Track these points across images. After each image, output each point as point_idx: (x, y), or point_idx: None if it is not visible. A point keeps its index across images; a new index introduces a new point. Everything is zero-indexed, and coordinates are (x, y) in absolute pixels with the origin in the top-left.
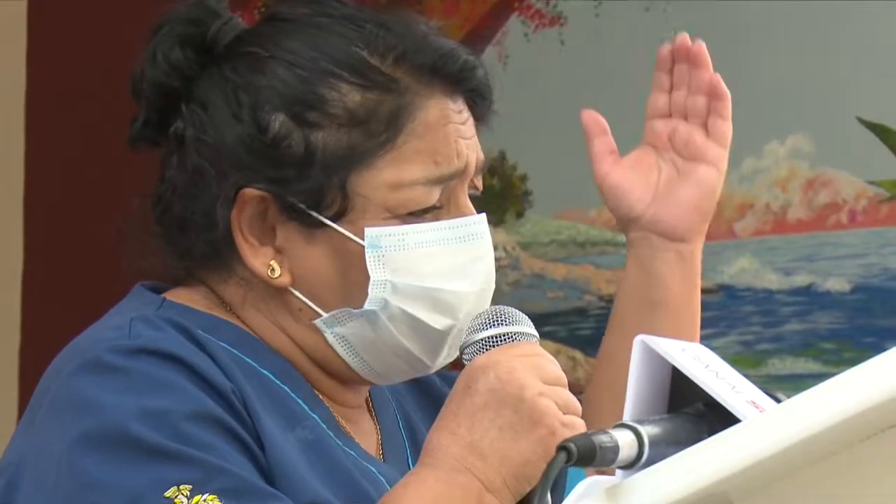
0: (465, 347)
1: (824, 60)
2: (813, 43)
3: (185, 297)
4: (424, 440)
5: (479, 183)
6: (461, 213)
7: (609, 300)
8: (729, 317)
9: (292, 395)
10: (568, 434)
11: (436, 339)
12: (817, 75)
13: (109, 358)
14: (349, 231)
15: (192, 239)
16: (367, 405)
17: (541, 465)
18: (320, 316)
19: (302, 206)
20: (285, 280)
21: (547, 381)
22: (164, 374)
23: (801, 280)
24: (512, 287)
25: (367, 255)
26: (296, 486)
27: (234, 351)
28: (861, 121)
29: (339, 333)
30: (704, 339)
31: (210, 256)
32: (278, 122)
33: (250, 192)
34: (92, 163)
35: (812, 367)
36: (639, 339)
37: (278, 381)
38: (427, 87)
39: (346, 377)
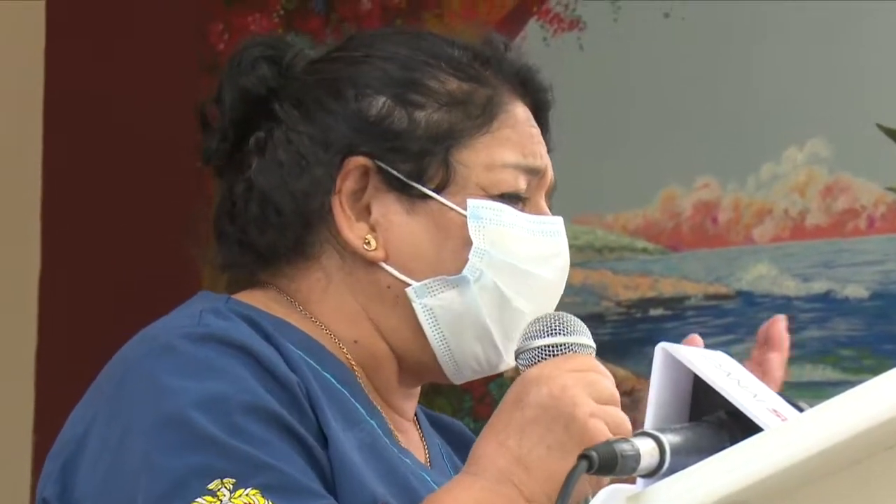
0: (521, 353)
1: (843, 66)
2: (832, 48)
3: (251, 297)
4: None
5: (548, 206)
6: (540, 213)
7: (626, 305)
8: (747, 323)
9: (352, 399)
10: None
11: (514, 321)
12: (836, 81)
13: (178, 343)
14: (451, 202)
15: (272, 235)
16: (418, 429)
17: (586, 486)
18: (410, 287)
19: (405, 177)
20: (380, 254)
21: (600, 400)
22: (228, 361)
23: (819, 286)
24: None
25: (469, 224)
26: (357, 483)
27: (299, 352)
28: (880, 127)
29: (427, 305)
30: (722, 346)
31: (289, 249)
32: (381, 102)
33: (356, 160)
34: (109, 166)
35: (830, 374)
36: (660, 347)
37: (338, 385)
38: (512, 91)
39: (418, 364)
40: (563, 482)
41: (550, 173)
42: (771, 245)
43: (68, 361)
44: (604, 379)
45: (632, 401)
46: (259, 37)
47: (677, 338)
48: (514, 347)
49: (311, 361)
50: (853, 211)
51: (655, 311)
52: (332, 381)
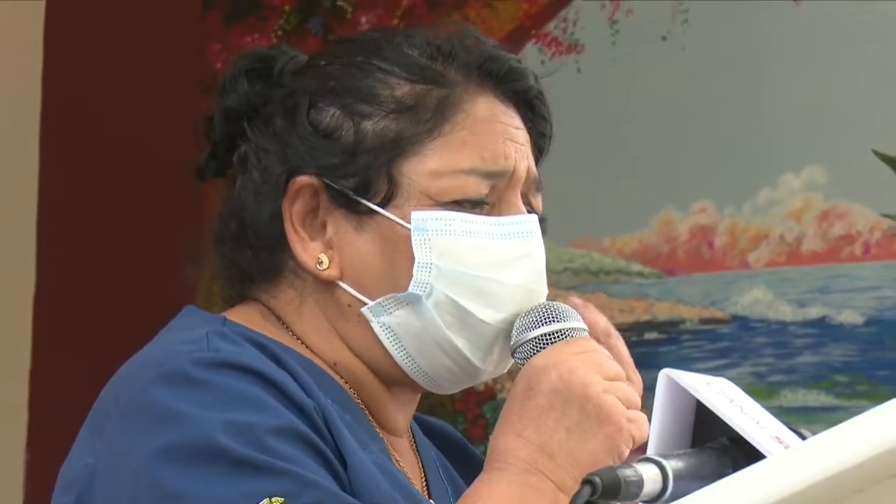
0: (518, 347)
1: (840, 93)
2: (829, 75)
3: (244, 317)
4: (463, 488)
5: (538, 203)
6: (512, 214)
7: (622, 329)
8: (742, 348)
9: (354, 424)
10: (634, 429)
11: (483, 333)
12: (833, 107)
13: (190, 370)
14: (396, 216)
15: (248, 253)
16: (412, 443)
17: (609, 462)
18: (367, 306)
19: (350, 192)
20: (333, 272)
21: (607, 377)
22: (246, 388)
23: (814, 312)
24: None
25: (413, 238)
26: (381, 500)
27: (303, 373)
28: (876, 153)
29: (385, 323)
30: (717, 370)
31: (264, 267)
32: (330, 114)
33: (302, 179)
34: (106, 182)
35: (825, 399)
36: (664, 374)
37: (340, 411)
38: (477, 85)
39: (395, 380)
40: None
41: (523, 169)
42: (766, 270)
43: (63, 376)
44: (607, 358)
45: None
46: (250, 49)
47: (672, 362)
48: (493, 357)
49: (314, 385)
50: (849, 237)
51: (650, 335)
52: (334, 406)
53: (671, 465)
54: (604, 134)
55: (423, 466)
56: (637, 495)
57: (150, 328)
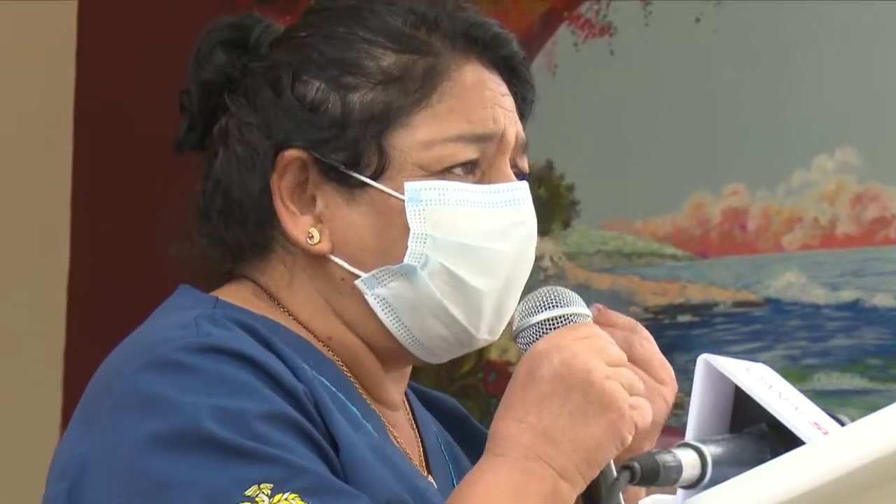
0: (520, 332)
1: (874, 74)
2: (863, 56)
3: (235, 296)
4: (466, 464)
5: (524, 164)
6: (502, 181)
7: (654, 311)
8: (775, 331)
9: (349, 404)
10: (636, 415)
11: (476, 300)
12: (867, 89)
13: (179, 356)
14: (389, 188)
15: (235, 229)
16: (410, 417)
17: (611, 448)
18: (360, 279)
19: (341, 166)
20: (325, 247)
21: (610, 363)
22: (235, 373)
23: (848, 295)
24: None
25: (407, 209)
26: (373, 482)
27: (294, 355)
28: None
29: (379, 295)
30: (749, 353)
31: (253, 243)
32: (315, 88)
33: (290, 153)
34: (139, 165)
35: (858, 382)
36: (702, 359)
37: (335, 390)
38: (462, 53)
39: (390, 352)
40: (606, 492)
41: (512, 134)
42: (800, 253)
43: (97, 358)
44: (610, 343)
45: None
46: (222, 20)
47: (705, 345)
48: (485, 323)
49: (305, 366)
50: (883, 220)
51: (683, 318)
52: (329, 385)
53: (710, 451)
54: (636, 116)
55: (421, 440)
56: (676, 480)
57: None
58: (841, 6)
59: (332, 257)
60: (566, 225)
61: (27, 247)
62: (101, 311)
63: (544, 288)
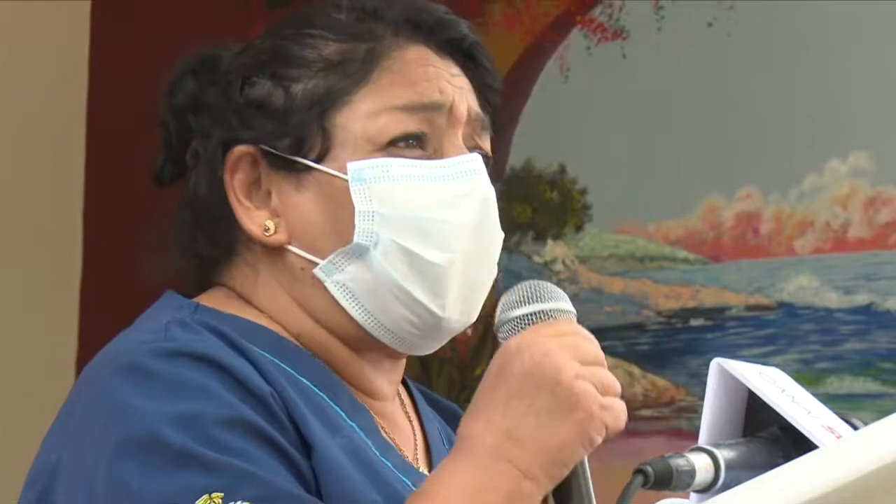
0: (501, 325)
1: (887, 78)
2: (875, 60)
3: (215, 301)
4: None
5: (486, 144)
6: (452, 155)
7: (667, 315)
8: (788, 335)
9: (332, 404)
10: (608, 416)
11: (436, 276)
12: (880, 93)
13: (144, 361)
14: (332, 168)
15: (204, 238)
16: (407, 409)
17: (578, 449)
18: (318, 266)
19: (286, 153)
20: (282, 237)
21: (584, 362)
22: (198, 377)
23: (860, 299)
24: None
25: (351, 188)
26: (347, 487)
27: (274, 359)
28: None
29: (338, 281)
30: (763, 357)
31: (219, 250)
32: (261, 86)
33: (238, 149)
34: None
35: (871, 386)
36: (715, 363)
37: (317, 390)
38: (407, 38)
39: (360, 342)
40: (620, 495)
41: (463, 108)
42: (813, 257)
43: None
44: (587, 341)
45: (672, 410)
46: (194, 51)
47: (717, 349)
48: (446, 302)
49: (286, 366)
50: (895, 224)
51: (696, 322)
52: (310, 386)
53: (723, 455)
54: (649, 120)
55: (424, 433)
56: (689, 484)
57: None
58: (854, 11)
59: (290, 247)
60: (578, 228)
61: (39, 250)
62: (113, 316)
63: (528, 281)
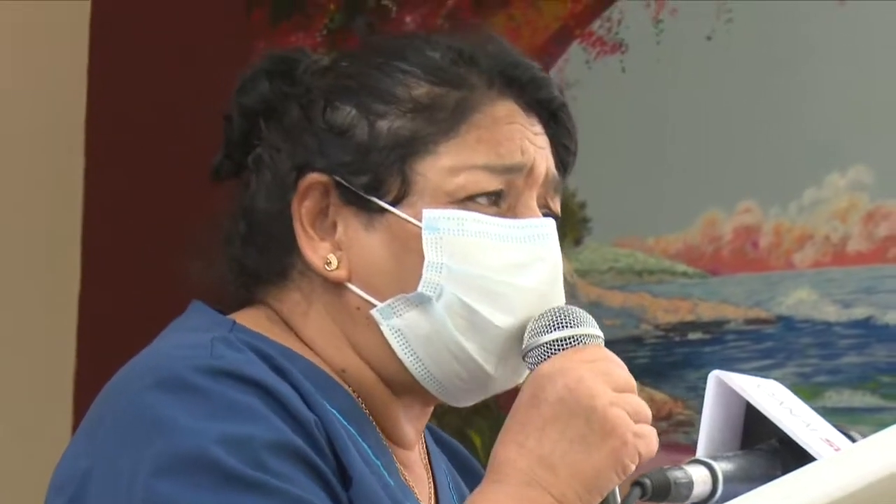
0: (529, 351)
1: (886, 92)
2: (874, 74)
3: (252, 321)
4: None
5: (556, 205)
6: (527, 216)
7: (665, 329)
8: (786, 348)
9: (359, 439)
10: (641, 444)
11: (494, 337)
12: (879, 107)
13: (190, 376)
14: (407, 214)
15: (256, 254)
16: (423, 456)
17: (612, 477)
18: (376, 308)
19: (361, 190)
20: (342, 273)
21: (617, 388)
22: (245, 399)
23: (859, 312)
24: None
25: (423, 237)
26: None
27: (308, 384)
28: None
29: (394, 326)
30: (762, 371)
31: (271, 269)
32: (346, 113)
33: (312, 177)
34: (151, 170)
35: (870, 400)
36: (714, 375)
37: (345, 422)
38: (498, 91)
39: (405, 386)
40: None
41: (542, 169)
42: (812, 270)
43: (107, 376)
44: (618, 367)
45: (670, 424)
46: (273, 51)
47: (716, 362)
48: (503, 362)
49: (319, 396)
50: (895, 237)
51: (694, 335)
52: (340, 418)
53: (721, 467)
54: (648, 133)
55: (434, 480)
56: (687, 497)
57: None
58: (853, 25)
59: (349, 285)
60: (578, 242)
61: (37, 254)
62: (112, 323)
63: (556, 306)
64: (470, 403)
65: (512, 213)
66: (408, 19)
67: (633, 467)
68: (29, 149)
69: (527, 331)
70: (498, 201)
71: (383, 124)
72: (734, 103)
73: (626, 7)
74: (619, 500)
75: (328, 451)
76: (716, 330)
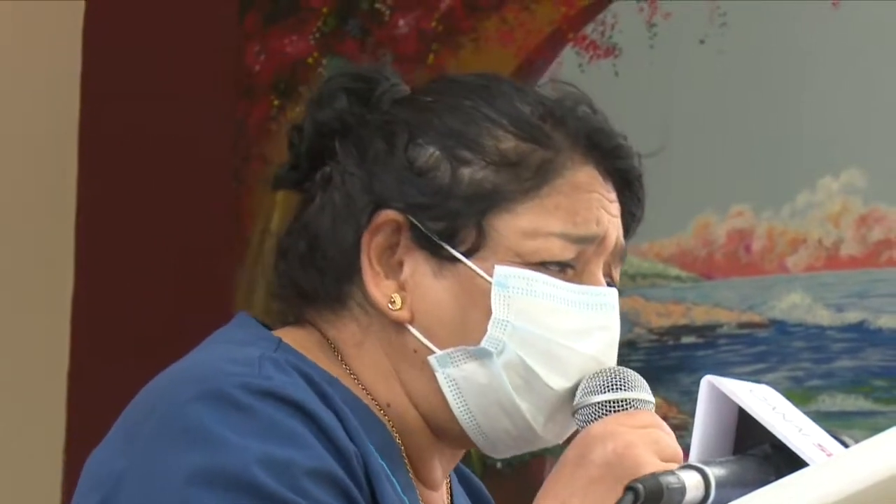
0: (580, 408)
1: (879, 95)
2: (868, 77)
3: (299, 341)
4: None
5: (616, 274)
6: (593, 283)
7: (658, 332)
8: (779, 352)
9: (391, 474)
10: None
11: (547, 399)
12: (872, 110)
13: (236, 393)
14: (479, 267)
15: (314, 275)
16: (447, 496)
17: None
18: (434, 355)
19: (436, 236)
20: (405, 315)
21: (664, 458)
22: (290, 422)
23: (852, 316)
24: None
25: (493, 293)
26: None
27: (349, 413)
28: None
29: (450, 375)
30: (755, 375)
31: (328, 294)
32: (429, 153)
33: (387, 213)
34: (143, 172)
35: (863, 404)
36: (706, 380)
37: (379, 457)
38: (581, 154)
39: (448, 433)
40: None
41: (613, 238)
42: (805, 274)
43: (101, 379)
44: (668, 436)
45: None
46: (354, 67)
47: (709, 366)
48: (553, 423)
49: (359, 428)
50: (888, 241)
51: (688, 339)
52: (373, 451)
53: (713, 472)
54: (641, 137)
55: None
56: (679, 502)
57: (187, 330)
58: (846, 28)
59: (410, 327)
60: None
61: (30, 253)
62: (105, 322)
63: (612, 367)
64: (508, 456)
65: (578, 279)
66: (401, 22)
67: None
68: (22, 149)
69: (580, 388)
70: (565, 268)
71: (466, 172)
72: (727, 107)
73: (619, 11)
74: None
75: (365, 485)
76: (709, 334)
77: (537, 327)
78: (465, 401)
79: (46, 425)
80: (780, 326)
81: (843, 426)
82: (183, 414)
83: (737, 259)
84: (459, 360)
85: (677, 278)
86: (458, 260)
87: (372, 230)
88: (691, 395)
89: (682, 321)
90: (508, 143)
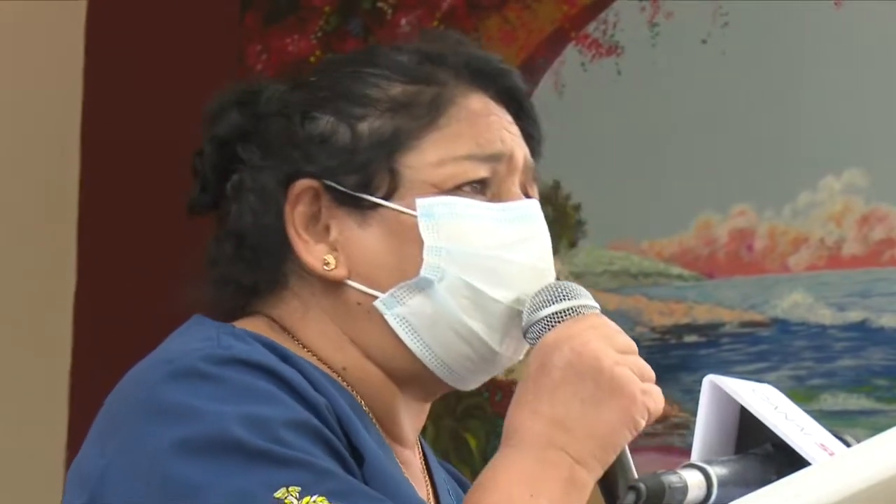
0: (530, 327)
1: (882, 95)
2: (870, 77)
3: (252, 327)
4: None
5: (533, 192)
6: (511, 200)
7: (660, 331)
8: (781, 351)
9: (362, 430)
10: (649, 401)
11: (496, 313)
12: (874, 110)
13: (200, 365)
14: (401, 205)
15: (248, 270)
16: (421, 459)
17: (625, 433)
18: (378, 299)
19: (352, 190)
20: (342, 272)
21: (620, 350)
22: (259, 384)
23: (854, 316)
24: None
25: (420, 224)
26: (402, 494)
27: (315, 373)
28: None
29: (399, 314)
30: (757, 374)
31: (267, 280)
32: (325, 121)
33: (302, 182)
34: (145, 173)
35: (865, 403)
36: (708, 379)
37: (351, 414)
38: (466, 83)
39: (412, 376)
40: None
41: (520, 156)
42: (806, 273)
43: (103, 376)
44: (619, 332)
45: (665, 427)
46: (233, 84)
47: (711, 365)
48: (505, 339)
49: (326, 385)
50: (889, 241)
51: (690, 338)
52: (344, 405)
53: (715, 472)
54: (643, 136)
55: (432, 483)
56: (681, 502)
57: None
58: (848, 28)
59: (349, 282)
60: (573, 245)
61: (33, 254)
62: (107, 322)
63: (550, 282)
64: (476, 385)
65: (497, 199)
66: (403, 21)
67: (644, 423)
68: (24, 149)
69: (525, 308)
70: (483, 189)
71: (364, 126)
72: (729, 107)
73: (621, 10)
74: (629, 457)
75: (340, 432)
76: (711, 333)
77: (469, 246)
78: (419, 336)
79: (49, 425)
80: (781, 325)
81: (844, 425)
82: (155, 397)
83: (739, 258)
84: (404, 297)
85: (679, 277)
86: (380, 205)
87: (291, 202)
88: (693, 394)
89: (684, 320)
90: (396, 90)
